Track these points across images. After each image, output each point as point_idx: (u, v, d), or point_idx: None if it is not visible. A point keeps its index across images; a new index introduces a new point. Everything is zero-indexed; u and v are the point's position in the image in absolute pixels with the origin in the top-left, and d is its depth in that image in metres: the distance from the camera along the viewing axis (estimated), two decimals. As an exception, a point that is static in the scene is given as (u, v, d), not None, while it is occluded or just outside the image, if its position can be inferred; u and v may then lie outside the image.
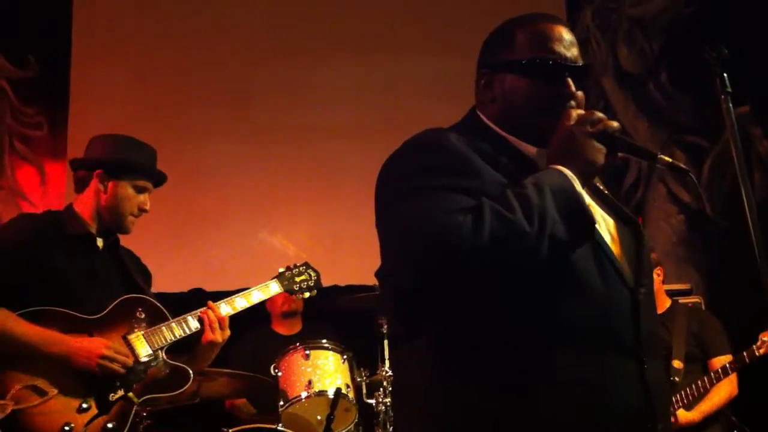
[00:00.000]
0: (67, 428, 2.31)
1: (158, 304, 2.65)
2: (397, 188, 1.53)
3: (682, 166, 1.51)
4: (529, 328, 1.45)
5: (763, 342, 3.55)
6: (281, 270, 3.01)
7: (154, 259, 5.03)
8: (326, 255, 5.19)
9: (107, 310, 2.53)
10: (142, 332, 2.55)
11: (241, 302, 2.77)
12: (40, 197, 5.46)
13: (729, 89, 1.55)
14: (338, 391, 3.62)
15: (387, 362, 3.77)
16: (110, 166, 2.68)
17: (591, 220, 1.45)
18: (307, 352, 3.76)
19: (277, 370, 3.76)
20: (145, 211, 2.73)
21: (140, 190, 2.71)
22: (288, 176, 5.39)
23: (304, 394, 3.66)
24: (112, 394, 2.43)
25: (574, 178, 1.46)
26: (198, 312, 2.66)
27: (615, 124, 1.53)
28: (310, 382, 3.68)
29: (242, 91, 5.63)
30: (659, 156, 1.49)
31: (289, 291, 2.97)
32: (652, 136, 5.75)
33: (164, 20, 5.76)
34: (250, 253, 5.23)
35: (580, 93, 1.59)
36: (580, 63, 1.60)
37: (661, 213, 5.67)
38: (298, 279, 3.00)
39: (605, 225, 1.62)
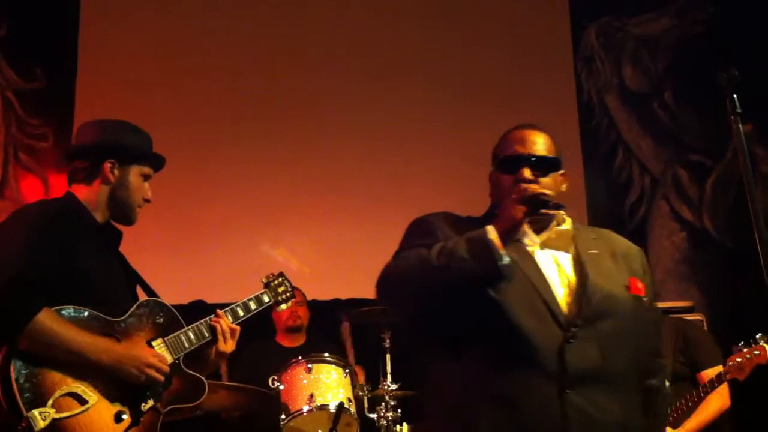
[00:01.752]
0: None
1: (173, 309, 2.58)
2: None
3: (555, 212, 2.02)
4: (466, 351, 1.95)
5: (731, 367, 3.43)
6: (265, 280, 2.95)
7: (155, 269, 5.06)
8: (329, 269, 5.20)
9: (129, 313, 2.44)
10: (164, 339, 2.47)
11: (239, 313, 2.74)
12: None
13: (739, 110, 1.57)
14: (340, 405, 3.60)
15: (389, 376, 3.77)
16: (120, 152, 2.54)
17: (494, 259, 1.85)
18: (310, 365, 3.74)
19: (279, 384, 3.73)
20: (148, 201, 2.63)
21: (146, 178, 2.62)
22: (292, 190, 5.41)
23: (305, 408, 3.63)
24: (144, 404, 2.36)
25: (492, 230, 1.90)
26: (209, 320, 2.60)
27: (532, 189, 1.99)
28: (311, 396, 3.65)
29: (248, 105, 5.65)
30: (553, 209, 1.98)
31: (275, 302, 2.93)
32: (656, 155, 5.77)
33: (169, 34, 5.78)
34: (252, 265, 5.22)
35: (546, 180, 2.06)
36: (536, 156, 2.08)
37: (663, 231, 5.67)
38: (279, 290, 2.96)
39: (557, 270, 2.02)
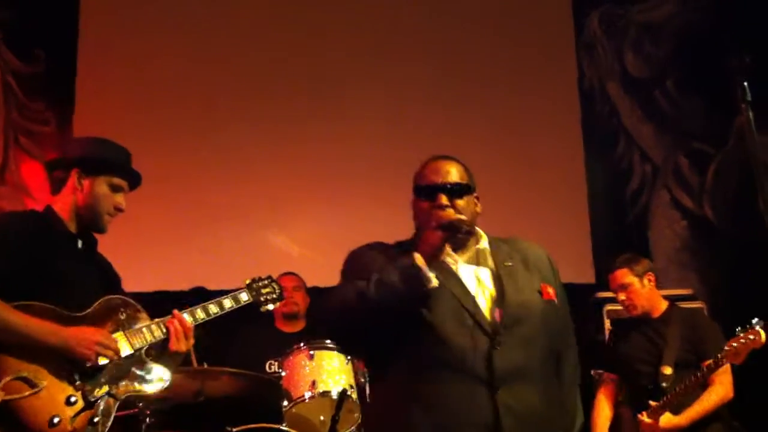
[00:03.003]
0: (55, 420, 2.33)
1: (138, 306, 2.69)
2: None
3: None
4: (403, 364, 2.21)
5: (726, 352, 3.44)
6: (248, 281, 3.05)
7: (156, 255, 5.08)
8: (330, 256, 5.18)
9: (91, 308, 2.56)
10: (124, 332, 2.59)
11: (210, 310, 2.82)
12: (46, 193, 5.45)
13: (750, 98, 1.58)
14: (343, 391, 3.62)
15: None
16: (86, 163, 2.69)
17: (423, 283, 2.13)
18: (312, 352, 3.74)
19: (280, 369, 3.77)
20: (120, 210, 2.75)
21: (116, 189, 2.73)
22: (295, 174, 5.40)
23: (308, 395, 3.64)
24: (98, 390, 2.46)
25: (418, 256, 2.15)
26: (165, 319, 2.70)
27: (447, 215, 2.24)
28: (314, 383, 3.66)
29: (254, 89, 5.64)
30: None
31: (255, 302, 3.02)
32: (657, 142, 5.77)
33: (171, 13, 5.77)
34: (254, 252, 5.23)
35: (460, 201, 2.30)
36: (449, 183, 2.30)
37: (664, 219, 5.68)
38: (263, 291, 3.05)
39: (478, 285, 2.29)
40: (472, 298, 2.25)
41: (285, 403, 3.69)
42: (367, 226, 4.98)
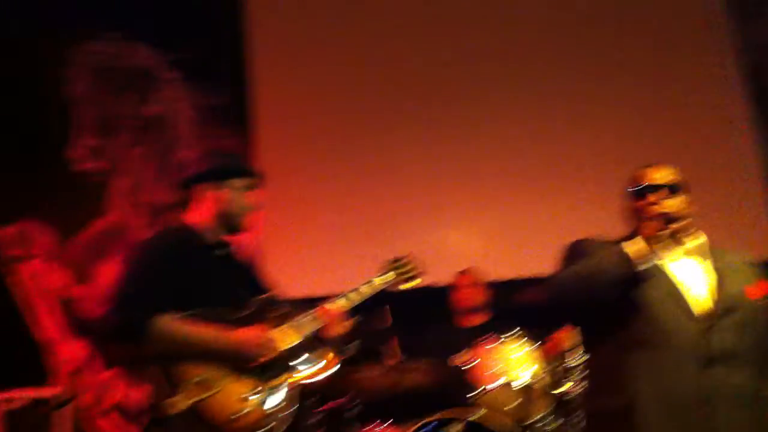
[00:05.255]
0: (236, 416, 2.55)
1: (287, 303, 2.90)
2: None
3: None
4: (624, 341, 2.52)
5: None
6: (390, 261, 3.22)
7: (332, 255, 5.41)
8: (507, 248, 5.33)
9: (246, 310, 2.78)
10: (283, 326, 2.79)
11: (359, 294, 3.01)
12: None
13: None
14: (529, 380, 3.82)
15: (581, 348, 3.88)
16: (206, 176, 2.94)
17: (633, 265, 2.44)
18: (496, 343, 3.96)
19: (467, 361, 3.97)
20: (252, 208, 2.95)
21: (240, 190, 2.94)
22: (464, 174, 5.57)
23: (495, 384, 3.86)
24: (270, 382, 2.67)
25: (628, 244, 2.49)
26: (317, 308, 2.90)
27: (660, 209, 2.59)
28: (501, 372, 3.87)
29: (418, 88, 5.83)
30: None
31: (399, 282, 3.18)
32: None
33: (334, 27, 6.07)
34: (426, 249, 5.46)
35: None
36: (661, 184, 2.63)
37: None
38: (404, 269, 3.21)
39: (693, 275, 2.57)
40: (687, 286, 2.55)
41: (474, 392, 3.90)
42: (541, 219, 5.15)
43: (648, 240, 2.50)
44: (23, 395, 4.73)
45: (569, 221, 4.62)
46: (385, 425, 4.10)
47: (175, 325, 2.60)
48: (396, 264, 3.23)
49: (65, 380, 5.78)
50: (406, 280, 3.22)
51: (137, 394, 5.73)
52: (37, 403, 4.63)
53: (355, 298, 2.97)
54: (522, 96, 5.69)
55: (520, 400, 3.83)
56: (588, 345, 2.77)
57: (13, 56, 6.15)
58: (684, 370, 2.43)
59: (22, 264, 5.97)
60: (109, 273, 6.01)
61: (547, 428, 3.76)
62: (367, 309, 3.13)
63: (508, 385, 3.86)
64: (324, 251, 5.37)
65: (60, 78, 6.25)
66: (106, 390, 5.81)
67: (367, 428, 4.09)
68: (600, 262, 2.52)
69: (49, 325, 5.87)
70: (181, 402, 2.50)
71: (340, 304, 2.93)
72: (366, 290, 3.03)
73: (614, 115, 5.53)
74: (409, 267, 3.24)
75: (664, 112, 5.53)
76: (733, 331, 2.49)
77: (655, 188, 2.65)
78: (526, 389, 3.83)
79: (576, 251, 2.71)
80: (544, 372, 3.88)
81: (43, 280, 5.95)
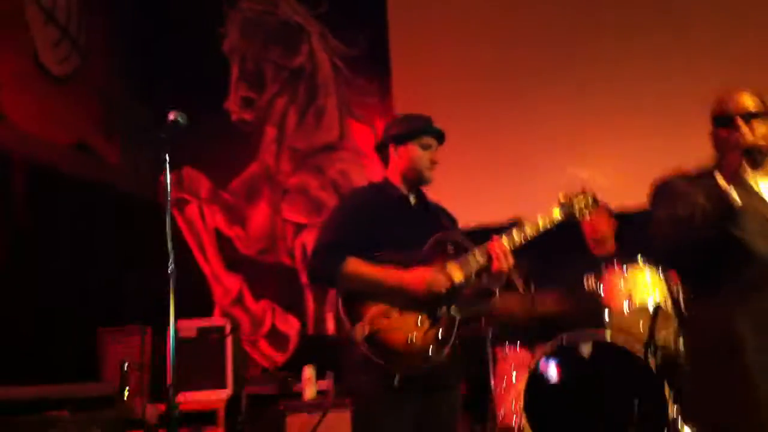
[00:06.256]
0: (409, 340, 2.91)
1: (463, 240, 3.15)
2: None
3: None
4: (723, 282, 2.50)
5: None
6: (561, 199, 3.29)
7: (476, 195, 5.69)
8: (635, 179, 5.41)
9: (425, 248, 3.09)
10: (453, 262, 3.05)
11: (527, 232, 3.14)
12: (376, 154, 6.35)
13: None
14: (657, 305, 3.93)
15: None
16: (397, 137, 3.24)
17: (730, 202, 2.35)
18: (625, 269, 4.12)
19: (598, 288, 4.17)
20: (435, 163, 3.23)
21: (425, 147, 3.22)
22: (596, 114, 5.67)
23: (626, 308, 4.04)
24: (439, 311, 2.98)
25: (721, 177, 2.44)
26: (486, 244, 3.09)
27: (746, 138, 2.50)
28: (630, 297, 4.05)
29: (551, 33, 5.96)
30: None
31: (569, 216, 3.25)
32: None
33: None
34: (559, 184, 5.61)
35: None
36: (748, 110, 2.58)
37: None
38: (576, 203, 3.27)
39: None
40: None
41: (606, 315, 4.10)
42: (661, 155, 5.19)
43: (736, 170, 2.44)
44: (191, 325, 5.24)
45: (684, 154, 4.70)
46: (517, 347, 4.39)
47: (360, 267, 2.98)
48: (567, 201, 3.29)
49: (226, 310, 6.42)
50: (581, 212, 3.28)
51: (283, 325, 6.29)
52: (205, 331, 5.11)
53: (519, 238, 3.12)
54: (653, 37, 5.67)
55: (647, 323, 3.94)
56: (694, 287, 2.73)
57: (174, 14, 6.73)
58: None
59: (188, 206, 6.64)
60: (260, 215, 6.58)
61: (672, 349, 3.90)
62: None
63: (636, 308, 4.03)
64: (464, 189, 5.64)
65: (217, 34, 6.80)
66: (260, 320, 6.41)
67: (501, 350, 4.40)
68: (697, 202, 2.45)
69: (213, 260, 6.52)
70: (365, 329, 2.90)
71: (505, 243, 3.11)
72: (530, 231, 3.16)
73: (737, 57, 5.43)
74: (582, 199, 3.30)
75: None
76: None
77: (745, 115, 2.57)
78: (654, 312, 3.95)
79: (666, 192, 2.68)
80: (669, 296, 3.99)
81: (205, 221, 6.59)
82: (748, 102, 2.59)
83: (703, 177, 2.55)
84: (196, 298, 6.21)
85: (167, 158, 2.87)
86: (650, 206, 2.73)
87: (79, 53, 5.81)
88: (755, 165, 2.51)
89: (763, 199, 2.51)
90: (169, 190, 2.96)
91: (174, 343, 2.78)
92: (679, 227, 2.47)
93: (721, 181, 2.40)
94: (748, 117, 2.54)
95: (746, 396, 2.37)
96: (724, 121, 2.59)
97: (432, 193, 3.36)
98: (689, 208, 2.44)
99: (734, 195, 2.37)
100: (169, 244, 2.81)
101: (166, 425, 2.67)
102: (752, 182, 2.51)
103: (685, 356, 3.59)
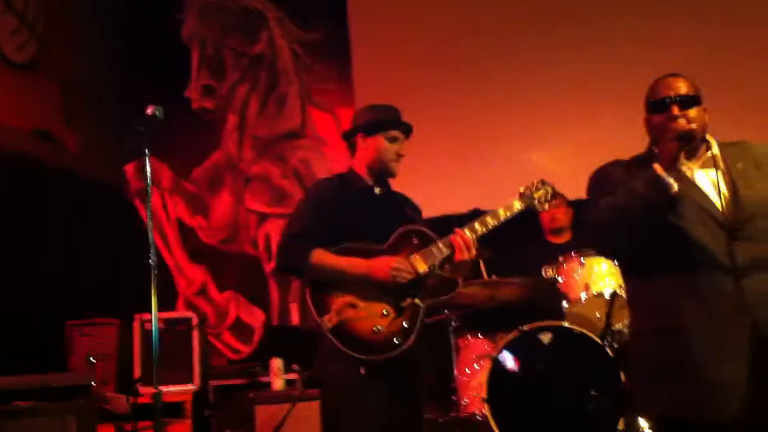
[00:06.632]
0: (375, 330, 2.97)
1: (428, 231, 3.21)
2: None
3: None
4: (662, 265, 2.51)
5: None
6: (521, 190, 3.33)
7: (436, 185, 5.73)
8: (588, 168, 5.52)
9: (391, 239, 3.16)
10: (419, 253, 3.10)
11: (487, 222, 3.19)
12: (337, 140, 6.37)
13: None
14: (614, 292, 4.11)
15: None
16: (365, 127, 3.29)
17: (666, 189, 2.39)
18: (582, 259, 4.26)
19: (556, 276, 4.31)
20: (401, 156, 3.29)
21: (393, 140, 3.27)
22: (551, 99, 5.73)
23: (583, 296, 4.20)
24: (404, 301, 3.06)
25: (658, 166, 2.42)
26: (449, 236, 3.15)
27: (680, 125, 2.49)
28: (587, 285, 4.20)
29: (504, 19, 6.02)
30: None
31: (529, 207, 3.31)
32: None
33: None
34: (520, 172, 5.67)
35: None
36: (680, 95, 2.54)
37: None
38: (536, 195, 3.32)
39: (713, 187, 2.51)
40: (710, 200, 2.51)
41: (564, 304, 4.25)
42: (619, 140, 5.29)
43: (671, 158, 2.44)
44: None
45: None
46: (479, 336, 4.48)
47: (326, 257, 3.04)
48: (527, 192, 3.33)
49: (190, 301, 6.42)
50: (541, 203, 3.33)
51: (248, 316, 6.32)
52: (172, 323, 5.11)
53: (480, 230, 3.18)
54: (613, 20, 5.76)
55: (605, 310, 4.14)
56: (632, 272, 2.73)
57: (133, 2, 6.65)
58: (720, 288, 2.42)
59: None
60: (222, 204, 6.57)
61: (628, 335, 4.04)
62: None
63: (593, 296, 4.17)
64: (425, 180, 5.68)
65: (176, 21, 6.73)
66: (224, 311, 6.43)
67: (463, 339, 4.50)
68: (635, 190, 2.46)
69: (176, 251, 6.50)
70: (332, 319, 2.96)
71: (468, 234, 3.16)
72: (491, 221, 3.21)
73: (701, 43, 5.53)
74: (542, 191, 3.35)
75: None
76: (760, 240, 2.45)
77: (678, 101, 2.56)
78: (610, 300, 4.11)
79: (604, 180, 2.67)
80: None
81: (168, 211, 6.56)
82: (681, 86, 2.58)
83: (640, 164, 2.56)
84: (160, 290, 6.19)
85: (147, 152, 2.92)
86: (588, 195, 2.71)
87: (37, 41, 5.73)
88: (689, 151, 2.52)
89: (696, 186, 2.53)
90: (149, 183, 3.02)
91: (157, 335, 2.84)
92: (619, 216, 2.48)
93: (659, 169, 2.42)
94: (681, 101, 2.54)
95: (693, 377, 2.42)
96: (658, 105, 2.58)
97: (394, 183, 3.41)
98: (629, 196, 2.46)
99: (672, 183, 2.41)
100: (150, 236, 2.87)
101: (145, 417, 2.68)
102: (685, 169, 2.53)
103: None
